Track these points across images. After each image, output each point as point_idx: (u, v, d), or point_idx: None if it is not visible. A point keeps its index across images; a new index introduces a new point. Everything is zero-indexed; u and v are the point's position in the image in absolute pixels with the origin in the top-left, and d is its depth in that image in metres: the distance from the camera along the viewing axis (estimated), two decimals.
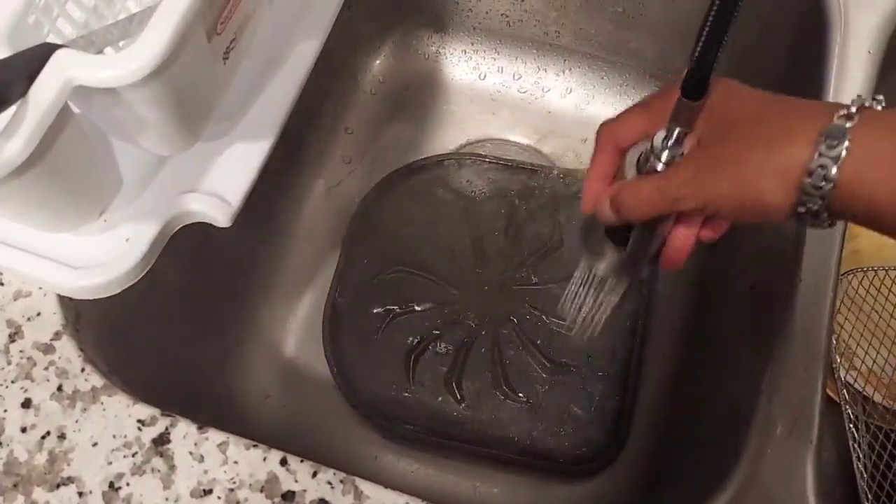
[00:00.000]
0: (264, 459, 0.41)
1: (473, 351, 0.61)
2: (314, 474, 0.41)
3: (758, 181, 0.31)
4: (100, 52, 0.39)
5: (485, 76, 0.74)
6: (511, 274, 0.64)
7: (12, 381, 0.43)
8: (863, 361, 0.57)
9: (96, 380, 0.43)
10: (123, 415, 0.42)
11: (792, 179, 0.30)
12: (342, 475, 0.41)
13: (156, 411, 0.42)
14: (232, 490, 0.41)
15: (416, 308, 0.63)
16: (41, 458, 0.41)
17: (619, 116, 0.37)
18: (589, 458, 0.58)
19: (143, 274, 0.41)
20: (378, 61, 0.74)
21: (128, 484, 0.41)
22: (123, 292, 0.41)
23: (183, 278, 0.56)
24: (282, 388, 0.63)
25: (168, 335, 0.55)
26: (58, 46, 0.33)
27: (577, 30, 0.71)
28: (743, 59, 0.60)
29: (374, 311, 0.63)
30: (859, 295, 0.59)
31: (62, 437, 0.42)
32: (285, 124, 0.46)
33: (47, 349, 0.44)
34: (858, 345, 0.58)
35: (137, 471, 0.41)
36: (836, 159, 0.29)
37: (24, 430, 0.42)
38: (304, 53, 0.47)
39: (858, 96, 0.30)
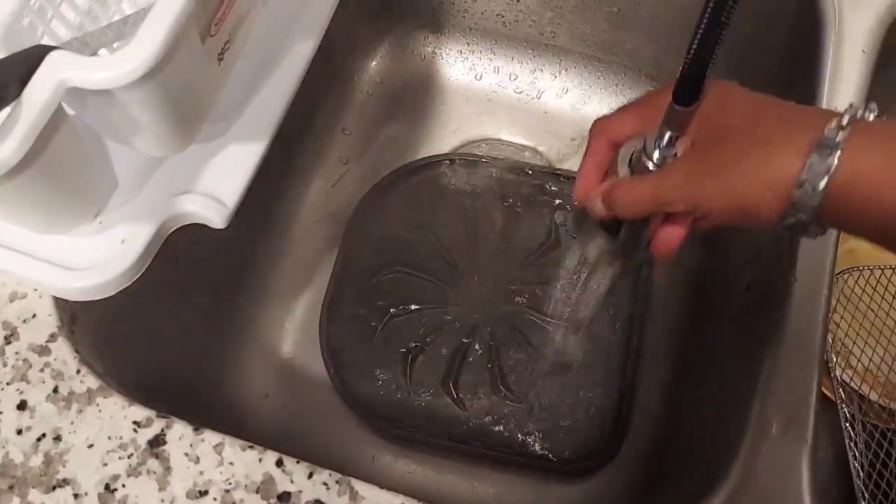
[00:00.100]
0: (260, 460, 0.41)
1: (470, 351, 0.61)
2: (310, 475, 0.41)
3: (747, 190, 0.31)
4: (94, 53, 0.39)
5: (481, 77, 0.74)
6: (508, 274, 0.64)
7: (8, 383, 0.43)
8: (859, 360, 0.57)
9: (92, 381, 0.43)
10: (119, 416, 0.42)
11: (781, 190, 0.30)
12: (338, 476, 0.41)
13: (151, 413, 0.42)
14: (228, 491, 0.41)
15: (413, 309, 0.63)
16: (37, 460, 0.41)
17: (613, 113, 0.37)
18: (586, 458, 0.58)
19: (138, 275, 0.41)
20: (374, 62, 0.74)
21: (123, 485, 0.41)
22: (119, 294, 0.41)
23: (179, 280, 0.56)
24: (279, 388, 0.63)
25: (164, 336, 0.55)
26: (52, 48, 0.33)
27: (572, 30, 0.71)
28: (737, 59, 0.60)
29: (372, 311, 0.63)
30: (855, 294, 0.59)
31: (58, 438, 0.42)
32: (282, 125, 0.46)
33: (43, 351, 0.44)
34: (855, 343, 0.58)
35: (133, 472, 0.41)
36: (825, 172, 0.29)
37: (19, 431, 0.42)
38: (299, 54, 0.47)
39: (851, 105, 0.30)
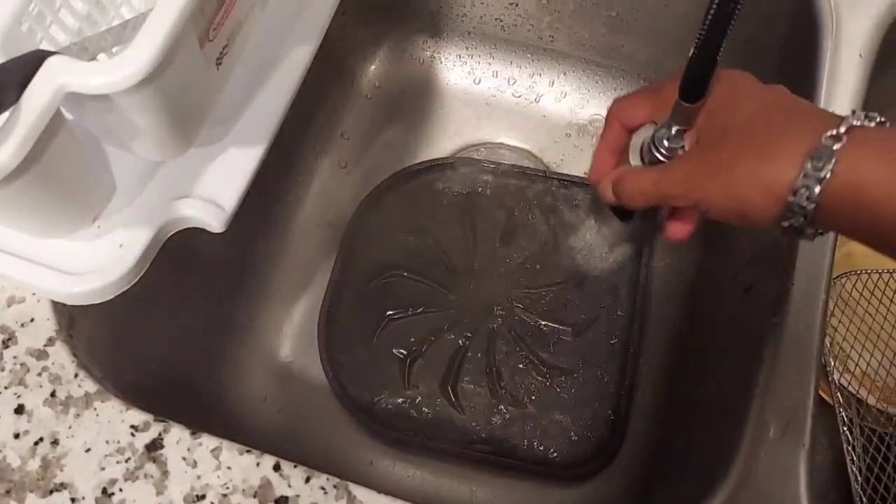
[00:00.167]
0: (257, 465, 0.41)
1: (469, 355, 0.61)
2: (307, 479, 0.41)
3: (744, 192, 0.31)
4: (93, 58, 0.39)
5: (479, 81, 0.74)
6: (506, 278, 0.64)
7: (5, 387, 0.43)
8: (856, 364, 0.57)
9: (89, 385, 0.43)
10: (116, 420, 0.42)
11: (777, 195, 0.30)
12: (335, 480, 0.41)
13: (149, 417, 0.42)
14: (225, 495, 0.41)
15: (412, 313, 0.63)
16: (34, 465, 0.41)
17: (628, 96, 0.38)
18: (585, 462, 0.58)
19: (136, 280, 0.41)
20: (373, 66, 0.74)
21: (121, 490, 0.41)
22: (117, 298, 0.41)
23: (177, 284, 0.56)
24: (277, 392, 0.63)
25: (162, 340, 0.55)
26: (50, 53, 0.33)
27: (571, 34, 0.71)
28: (734, 63, 0.60)
29: (370, 315, 0.63)
30: (853, 298, 0.59)
31: (55, 443, 0.42)
32: (281, 129, 0.46)
33: (41, 355, 0.44)
34: (852, 347, 0.58)
35: (130, 476, 0.41)
36: (820, 181, 0.29)
37: (17, 436, 0.42)
38: (297, 58, 0.47)
39: (853, 112, 0.31)
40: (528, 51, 0.73)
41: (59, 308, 0.45)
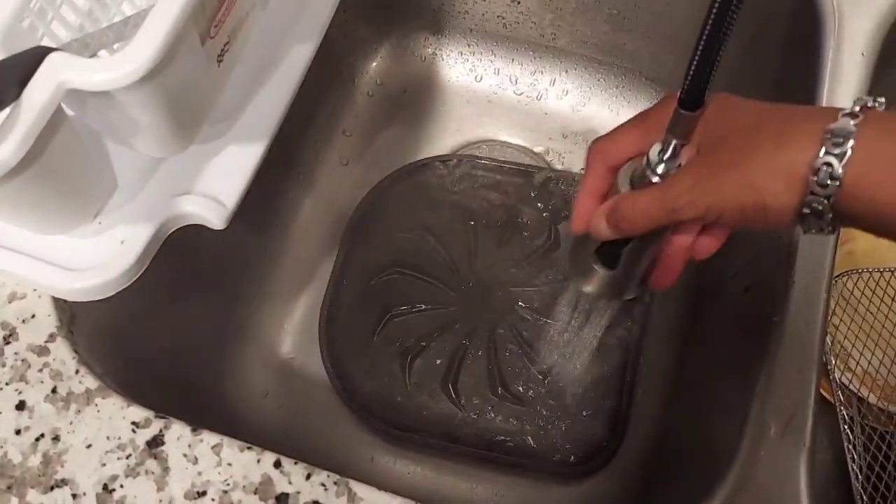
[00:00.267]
0: (258, 461, 0.41)
1: (470, 353, 0.61)
2: (308, 476, 0.41)
3: (761, 182, 0.30)
4: (94, 55, 0.39)
5: (481, 78, 0.74)
6: (507, 276, 0.64)
7: (6, 383, 0.43)
8: (857, 363, 0.57)
9: (90, 382, 0.43)
10: (117, 417, 0.42)
11: (797, 178, 0.29)
12: (336, 477, 0.41)
13: (150, 413, 0.42)
14: (226, 492, 0.41)
15: (413, 310, 0.63)
16: (35, 460, 0.41)
17: (610, 134, 0.36)
18: (585, 460, 0.58)
19: (138, 276, 0.41)
20: (375, 63, 0.74)
21: (122, 486, 0.41)
22: (118, 294, 0.41)
23: (178, 280, 0.56)
24: (278, 389, 0.63)
25: (163, 337, 0.55)
26: (51, 50, 0.33)
27: (573, 32, 0.71)
28: (736, 62, 0.60)
29: (371, 312, 0.63)
30: (854, 296, 0.59)
31: (56, 439, 0.42)
32: (282, 126, 0.46)
33: (42, 351, 0.44)
34: (853, 346, 0.58)
35: (131, 472, 0.41)
36: (841, 157, 0.29)
37: (18, 432, 0.42)
38: (299, 56, 0.47)
39: (860, 98, 0.30)
40: (529, 48, 0.73)
41: (61, 304, 0.45)
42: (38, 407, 0.42)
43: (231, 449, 0.42)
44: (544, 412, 0.59)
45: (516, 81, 0.73)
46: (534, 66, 0.73)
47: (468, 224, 0.66)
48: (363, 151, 0.71)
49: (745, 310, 0.54)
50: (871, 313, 0.58)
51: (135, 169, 0.43)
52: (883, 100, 0.30)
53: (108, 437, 0.42)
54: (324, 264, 0.66)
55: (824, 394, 0.56)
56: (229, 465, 0.41)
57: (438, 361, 0.61)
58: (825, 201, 0.29)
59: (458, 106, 0.73)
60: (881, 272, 0.60)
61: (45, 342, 0.44)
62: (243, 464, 0.41)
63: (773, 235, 0.52)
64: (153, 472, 0.41)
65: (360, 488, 0.41)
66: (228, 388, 0.61)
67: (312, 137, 0.69)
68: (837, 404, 0.56)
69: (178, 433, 0.42)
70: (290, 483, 0.41)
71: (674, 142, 0.32)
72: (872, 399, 0.57)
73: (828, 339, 0.57)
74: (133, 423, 0.42)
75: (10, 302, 0.45)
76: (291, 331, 0.65)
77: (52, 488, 0.41)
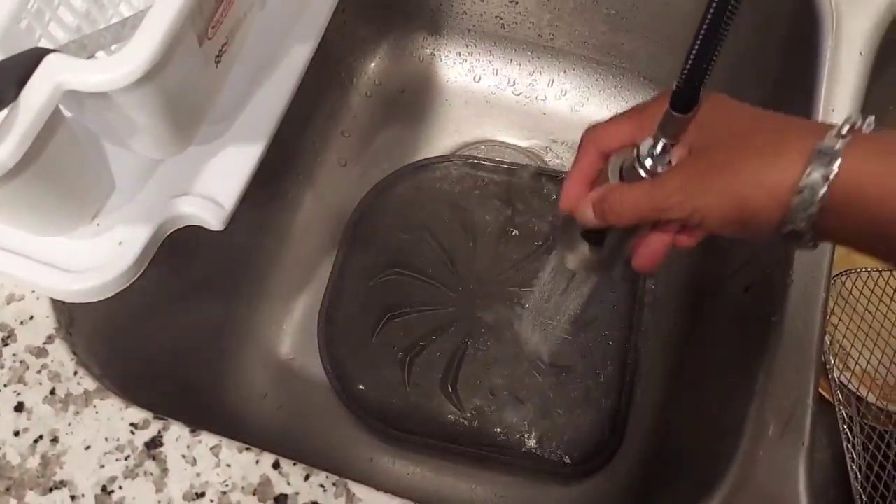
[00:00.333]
0: (257, 462, 0.41)
1: (469, 353, 0.61)
2: (307, 477, 0.41)
3: (746, 194, 0.30)
4: (92, 56, 0.39)
5: (479, 79, 0.74)
6: (506, 276, 0.64)
7: (5, 385, 0.43)
8: (856, 362, 0.57)
9: (89, 383, 0.43)
10: (116, 418, 0.42)
11: (780, 196, 0.30)
12: (335, 478, 0.41)
13: (148, 414, 0.42)
14: (224, 493, 0.41)
15: (412, 310, 0.63)
16: (34, 462, 0.41)
17: (605, 122, 0.37)
18: (584, 460, 0.58)
19: (136, 277, 0.41)
20: (373, 64, 0.74)
21: (120, 487, 0.41)
22: (117, 295, 0.41)
23: (176, 281, 0.56)
24: (277, 389, 0.63)
25: (161, 338, 0.55)
26: (49, 51, 0.33)
27: (571, 32, 0.71)
28: (735, 63, 0.60)
29: (370, 313, 0.63)
30: (853, 296, 0.59)
31: (55, 440, 0.42)
32: (280, 127, 0.46)
33: (40, 353, 0.44)
34: (852, 346, 0.58)
35: (130, 474, 0.41)
36: (825, 179, 0.29)
37: (16, 433, 0.42)
38: (297, 56, 0.47)
39: (849, 117, 0.30)
40: (528, 49, 0.73)
41: (59, 306, 0.45)
42: (37, 408, 0.42)
43: (230, 450, 0.42)
44: (544, 412, 0.59)
45: (515, 82, 0.73)
46: (532, 66, 0.73)
47: (467, 224, 0.66)
48: (362, 152, 0.71)
49: (744, 309, 0.54)
50: (870, 313, 0.58)
51: (133, 170, 0.43)
52: (872, 118, 0.31)
53: (106, 439, 0.42)
54: (323, 265, 0.66)
55: (823, 393, 0.56)
56: (228, 466, 0.41)
57: (437, 362, 0.61)
58: (807, 220, 0.30)
59: (456, 106, 0.73)
60: (880, 272, 0.60)
61: (44, 344, 0.44)
62: (242, 465, 0.41)
63: None
64: (152, 474, 0.41)
65: (358, 489, 0.41)
66: (227, 388, 0.61)
67: (311, 138, 0.69)
68: (836, 404, 0.56)
69: (176, 434, 0.42)
70: (288, 484, 0.41)
71: (664, 140, 0.32)
72: (871, 398, 0.57)
73: (827, 338, 0.57)
74: (132, 424, 0.42)
75: (8, 303, 0.45)
76: (290, 331, 0.65)
77: (50, 490, 0.40)
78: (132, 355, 0.51)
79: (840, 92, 0.52)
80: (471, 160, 0.69)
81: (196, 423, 0.43)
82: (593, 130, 0.37)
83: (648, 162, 0.33)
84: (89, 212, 0.42)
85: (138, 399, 0.43)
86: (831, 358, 0.57)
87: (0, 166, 0.32)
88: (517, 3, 0.70)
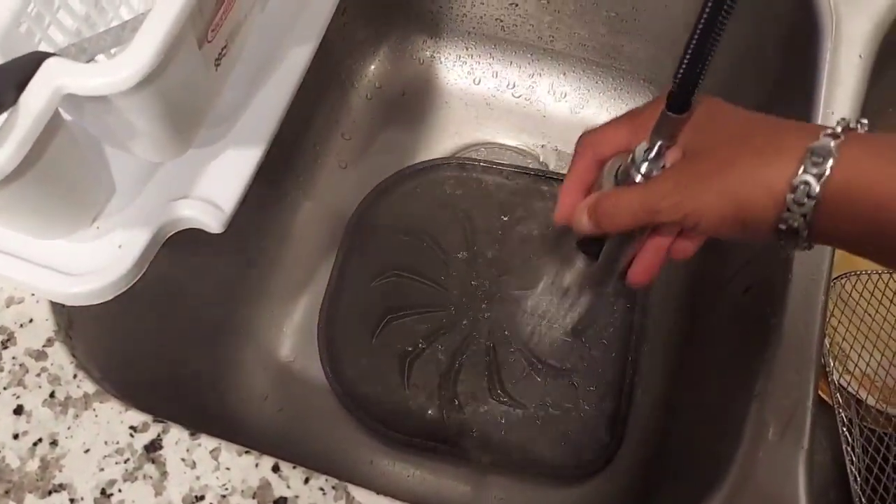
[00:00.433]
0: (256, 465, 0.41)
1: (469, 356, 0.61)
2: (306, 480, 0.41)
3: (741, 195, 0.31)
4: (92, 59, 0.39)
5: (479, 81, 0.74)
6: (506, 278, 0.64)
7: (4, 388, 0.43)
8: (856, 365, 0.57)
9: (88, 386, 0.43)
10: (115, 421, 0.42)
11: (776, 194, 0.30)
12: (334, 481, 0.41)
13: (148, 417, 0.42)
14: (224, 496, 0.41)
15: (412, 313, 0.63)
16: (33, 465, 0.41)
17: (600, 127, 0.37)
18: (585, 462, 0.58)
19: (135, 280, 0.41)
20: (373, 66, 0.74)
21: (120, 490, 0.41)
22: (116, 298, 0.41)
23: (176, 284, 0.56)
24: (277, 392, 0.63)
25: (161, 341, 0.55)
26: (48, 55, 0.33)
27: (571, 34, 0.71)
28: (735, 64, 0.60)
29: (370, 315, 0.63)
30: (853, 298, 0.59)
31: (54, 443, 0.42)
32: (280, 129, 0.46)
33: (39, 356, 0.44)
34: (852, 348, 0.58)
35: (129, 477, 0.41)
36: (819, 177, 0.29)
37: (16, 436, 0.42)
38: (296, 59, 0.47)
39: (843, 119, 0.31)
40: (528, 51, 0.73)
41: (58, 309, 0.45)
42: (36, 411, 0.42)
43: (229, 453, 0.42)
44: (543, 415, 0.59)
45: (514, 84, 0.73)
46: (532, 68, 0.73)
47: (467, 227, 0.66)
48: (362, 154, 0.71)
49: (744, 311, 0.54)
50: (870, 315, 0.58)
51: (132, 173, 0.43)
52: (866, 121, 0.31)
53: (105, 442, 0.42)
54: (323, 267, 0.66)
55: (823, 395, 0.56)
56: (227, 469, 0.41)
57: (437, 364, 0.61)
58: (802, 219, 0.30)
59: (456, 109, 0.73)
60: (880, 274, 0.60)
61: (43, 346, 0.44)
62: (241, 468, 0.41)
63: None
64: (151, 477, 0.41)
65: (358, 492, 0.41)
66: (227, 391, 0.61)
67: (311, 140, 0.69)
68: (836, 406, 0.56)
69: (176, 437, 0.42)
70: (288, 487, 0.41)
71: (659, 143, 0.32)
72: (871, 401, 0.57)
73: (826, 340, 0.57)
74: (131, 427, 0.42)
75: (7, 306, 0.45)
76: (290, 333, 0.65)
77: (49, 493, 0.40)
78: (131, 358, 0.51)
79: (839, 94, 0.52)
80: (471, 162, 0.69)
81: (195, 425, 0.42)
82: (588, 136, 0.37)
83: (643, 166, 0.33)
84: (89, 215, 0.42)
85: (138, 402, 0.43)
86: (831, 360, 0.57)
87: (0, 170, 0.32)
88: (517, 5, 0.70)
